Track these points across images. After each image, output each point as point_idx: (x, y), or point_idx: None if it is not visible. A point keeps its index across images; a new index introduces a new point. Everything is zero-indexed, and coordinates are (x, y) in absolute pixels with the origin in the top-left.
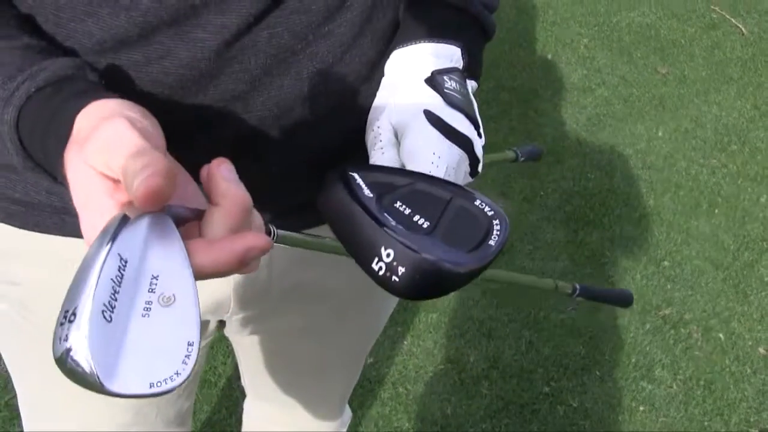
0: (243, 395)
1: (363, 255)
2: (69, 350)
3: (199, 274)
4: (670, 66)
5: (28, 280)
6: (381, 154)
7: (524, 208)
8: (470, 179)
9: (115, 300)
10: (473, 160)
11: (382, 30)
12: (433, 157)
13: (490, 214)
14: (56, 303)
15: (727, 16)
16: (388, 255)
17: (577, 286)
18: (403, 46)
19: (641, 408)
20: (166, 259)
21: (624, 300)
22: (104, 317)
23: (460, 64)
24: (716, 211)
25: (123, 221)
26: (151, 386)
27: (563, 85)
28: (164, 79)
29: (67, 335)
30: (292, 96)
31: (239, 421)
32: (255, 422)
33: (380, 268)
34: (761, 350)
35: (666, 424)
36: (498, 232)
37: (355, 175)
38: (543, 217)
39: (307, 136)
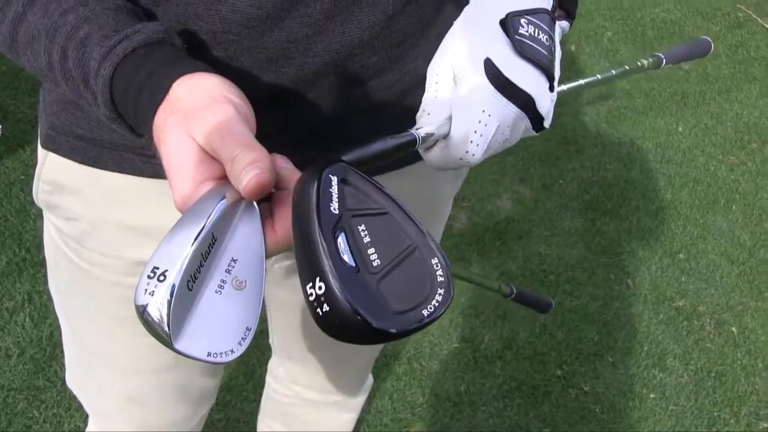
0: (260, 361)
1: (303, 272)
2: (149, 305)
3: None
4: (692, 62)
5: (84, 216)
6: (434, 96)
7: (542, 194)
8: (534, 134)
9: (199, 272)
10: (536, 117)
11: None
12: (482, 115)
13: (440, 280)
14: (109, 241)
15: (753, 15)
16: (320, 288)
17: (514, 290)
18: None
19: (652, 395)
20: (247, 247)
21: (543, 307)
22: (187, 286)
23: (549, 4)
24: (733, 207)
25: (221, 200)
26: (208, 354)
27: (585, 77)
28: (232, 16)
29: (153, 291)
30: (352, 43)
31: (255, 388)
32: (280, 384)
33: (311, 295)
34: None
35: (675, 413)
36: (437, 303)
37: (333, 180)
38: (561, 205)
39: (365, 85)
